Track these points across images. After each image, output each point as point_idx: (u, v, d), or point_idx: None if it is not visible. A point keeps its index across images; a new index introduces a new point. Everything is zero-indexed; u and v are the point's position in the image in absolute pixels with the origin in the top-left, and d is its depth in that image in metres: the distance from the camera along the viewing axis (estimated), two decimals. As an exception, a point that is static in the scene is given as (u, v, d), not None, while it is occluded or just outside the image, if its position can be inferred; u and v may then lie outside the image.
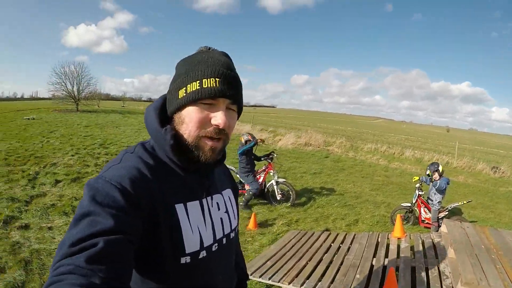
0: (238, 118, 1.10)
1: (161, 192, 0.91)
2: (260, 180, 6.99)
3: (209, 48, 1.04)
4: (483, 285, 2.95)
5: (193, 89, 0.93)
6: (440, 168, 6.15)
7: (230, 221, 1.16)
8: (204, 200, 1.05)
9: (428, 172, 6.32)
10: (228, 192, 1.23)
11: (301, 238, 4.87)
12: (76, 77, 42.11)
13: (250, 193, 6.60)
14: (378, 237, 4.79)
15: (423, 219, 6.44)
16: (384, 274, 3.68)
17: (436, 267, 3.79)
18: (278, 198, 6.89)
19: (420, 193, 6.43)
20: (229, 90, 0.96)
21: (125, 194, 0.81)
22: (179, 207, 0.95)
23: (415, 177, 6.69)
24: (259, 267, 3.86)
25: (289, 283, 3.52)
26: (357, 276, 3.67)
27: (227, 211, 1.16)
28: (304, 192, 8.15)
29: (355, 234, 5.00)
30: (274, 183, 6.94)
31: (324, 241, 4.72)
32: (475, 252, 3.66)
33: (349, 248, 4.47)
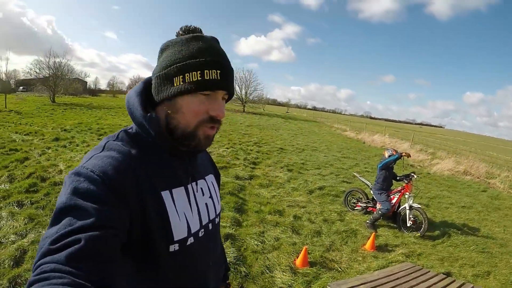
0: None
1: (147, 180, 0.91)
2: (394, 201, 6.81)
3: (195, 30, 1.04)
4: None
5: (194, 80, 0.92)
6: None
7: (214, 206, 1.19)
8: (189, 186, 1.07)
9: None
10: (211, 178, 1.26)
11: (412, 273, 4.65)
12: (244, 81, 46.57)
13: (380, 212, 6.50)
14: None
15: None
16: None
17: None
18: (408, 225, 6.59)
19: None
20: (228, 82, 0.99)
21: (108, 185, 0.80)
22: (165, 194, 0.95)
23: None
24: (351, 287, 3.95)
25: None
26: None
27: (211, 196, 1.18)
28: (441, 225, 7.56)
29: None
30: (408, 207, 6.64)
31: (434, 284, 4.39)
32: None
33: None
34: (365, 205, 7.14)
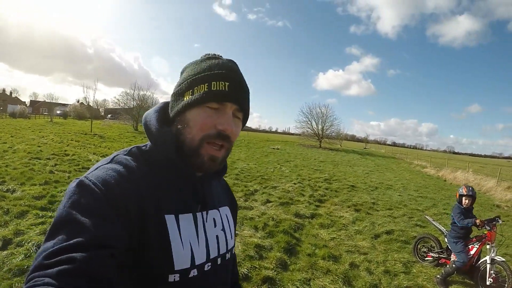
0: (243, 127, 1.07)
1: (151, 199, 0.87)
2: (472, 252, 5.71)
3: (218, 56, 1.04)
4: None
5: (201, 91, 0.93)
6: None
7: (226, 240, 1.10)
8: (198, 214, 1.01)
9: None
10: (225, 210, 1.18)
11: None
12: (321, 117, 46.96)
13: (454, 266, 5.53)
14: None
15: None
16: None
17: None
18: (488, 283, 5.44)
19: None
20: (237, 95, 0.96)
21: (108, 200, 0.78)
22: (170, 218, 0.90)
23: None
24: None
25: None
26: None
27: (223, 229, 1.11)
28: (531, 284, 6.26)
29: None
30: (489, 261, 5.49)
31: None
32: None
33: None
34: (437, 255, 6.22)
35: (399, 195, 13.51)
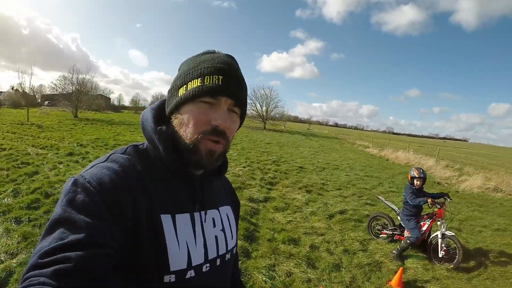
0: (240, 125, 1.05)
1: (147, 199, 0.86)
2: (424, 228, 6.03)
3: (215, 50, 1.01)
4: None
5: (194, 86, 0.90)
6: None
7: (226, 241, 1.08)
8: (196, 214, 0.98)
9: None
10: (226, 209, 1.16)
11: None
12: (265, 99, 47.46)
13: (408, 241, 5.79)
14: None
15: None
16: None
17: None
18: (440, 256, 5.78)
19: None
20: (232, 89, 0.93)
21: (104, 198, 0.77)
22: (166, 218, 0.88)
23: None
24: None
25: None
26: None
27: (223, 229, 1.08)
28: (476, 253, 6.71)
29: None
30: (440, 236, 5.83)
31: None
32: None
33: None
34: (391, 232, 6.43)
35: (346, 175, 13.89)
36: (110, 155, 0.92)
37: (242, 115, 1.02)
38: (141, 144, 1.00)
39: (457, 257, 5.74)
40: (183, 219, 0.93)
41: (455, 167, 18.89)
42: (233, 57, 1.00)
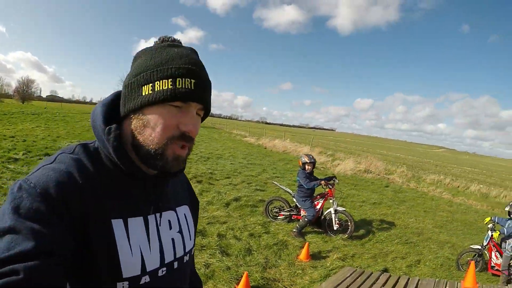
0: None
1: (97, 203, 0.79)
2: (318, 207, 6.55)
3: (174, 40, 0.93)
4: None
5: (164, 88, 0.80)
6: None
7: (184, 243, 1.02)
8: (151, 217, 0.91)
9: (508, 208, 5.67)
10: (184, 209, 1.08)
11: (357, 278, 4.41)
12: None
13: (306, 219, 6.20)
14: (445, 286, 4.22)
15: (492, 265, 5.74)
16: None
17: None
18: (335, 228, 6.40)
19: (493, 234, 5.70)
20: (203, 93, 0.86)
21: (51, 203, 0.70)
22: (117, 223, 0.81)
23: (486, 218, 6.05)
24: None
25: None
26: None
27: (180, 231, 1.01)
28: (362, 223, 7.62)
29: (419, 280, 4.47)
30: (333, 212, 6.45)
31: (384, 285, 4.24)
32: None
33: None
34: (288, 213, 6.78)
35: (231, 164, 14.05)
36: (58, 155, 0.84)
37: (205, 115, 0.96)
38: (91, 143, 0.90)
39: (349, 228, 6.42)
40: (136, 223, 0.86)
41: (328, 153, 20.65)
42: (197, 52, 0.93)
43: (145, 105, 0.82)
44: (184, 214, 1.07)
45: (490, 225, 5.81)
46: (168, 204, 1.00)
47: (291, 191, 7.07)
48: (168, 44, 0.89)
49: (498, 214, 6.67)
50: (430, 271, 5.59)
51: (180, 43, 0.93)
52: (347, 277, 4.38)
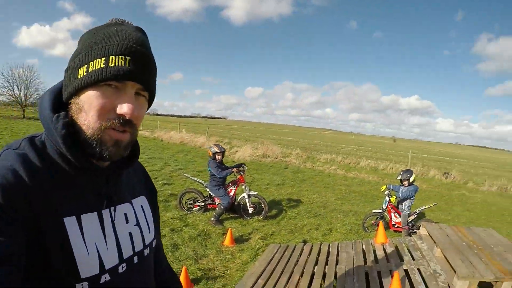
0: (148, 108, 0.91)
1: (46, 201, 0.73)
2: (232, 194, 6.73)
3: (123, 21, 0.85)
4: (477, 276, 3.21)
5: (96, 68, 0.75)
6: (413, 177, 6.51)
7: (142, 236, 0.97)
8: (105, 212, 0.86)
9: (400, 177, 6.62)
10: (141, 200, 1.03)
11: (284, 252, 4.71)
12: (24, 81, 38.91)
13: (222, 207, 6.31)
14: (362, 245, 4.76)
15: (393, 223, 6.73)
16: (381, 279, 3.69)
17: (428, 267, 3.87)
18: (250, 212, 6.68)
19: (390, 199, 6.70)
20: (141, 72, 0.79)
21: None
22: (70, 221, 0.75)
23: (382, 186, 6.98)
24: (252, 287, 3.63)
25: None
26: (356, 284, 3.61)
27: (138, 224, 0.97)
28: (272, 204, 8.04)
29: (338, 244, 4.93)
30: (246, 196, 6.72)
31: (310, 254, 4.59)
32: (460, 249, 3.87)
33: (337, 258, 4.39)
34: (203, 203, 6.84)
35: (130, 159, 13.39)
36: (3, 151, 0.78)
37: (151, 98, 0.90)
38: (38, 136, 0.84)
39: (264, 209, 6.75)
40: (89, 219, 0.81)
41: (225, 141, 20.97)
42: (144, 31, 0.86)
43: (80, 89, 0.77)
44: (141, 205, 1.02)
45: (386, 192, 6.75)
46: (123, 197, 0.95)
47: (203, 182, 7.14)
48: (110, 23, 0.84)
49: (388, 183, 7.60)
50: (343, 236, 6.23)
51: (128, 22, 0.86)
52: (275, 253, 4.65)
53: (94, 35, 0.80)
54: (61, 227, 0.73)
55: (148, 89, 0.84)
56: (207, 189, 6.79)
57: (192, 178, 7.48)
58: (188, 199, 7.02)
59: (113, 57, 0.75)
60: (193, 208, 6.87)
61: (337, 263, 4.20)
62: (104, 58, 0.75)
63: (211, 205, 6.82)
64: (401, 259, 4.15)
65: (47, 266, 0.71)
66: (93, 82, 0.75)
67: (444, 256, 3.86)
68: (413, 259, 4.11)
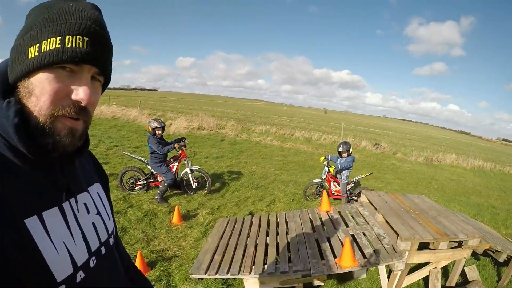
0: (102, 93, 0.85)
1: (0, 204, 0.63)
2: (174, 170, 6.56)
3: None
4: (417, 238, 3.52)
5: (51, 48, 0.69)
6: (351, 148, 6.88)
7: (105, 224, 0.93)
8: (65, 204, 0.79)
9: (340, 149, 6.91)
10: (96, 188, 0.97)
11: (234, 226, 4.77)
12: None
13: (165, 184, 6.15)
14: (308, 213, 4.97)
15: (333, 192, 7.14)
16: (331, 245, 3.90)
17: (372, 231, 4.17)
18: (194, 187, 6.60)
19: (329, 169, 7.06)
20: (99, 55, 0.75)
21: None
22: (32, 222, 0.67)
23: (321, 157, 7.24)
24: (210, 264, 3.64)
25: (250, 273, 3.43)
26: (309, 251, 3.78)
27: (98, 213, 0.92)
28: (214, 177, 8.02)
29: (285, 214, 5.09)
30: (189, 172, 6.58)
31: (259, 225, 4.70)
32: (399, 214, 4.20)
33: (286, 228, 4.54)
34: (145, 182, 6.60)
35: (58, 138, 12.62)
36: None
37: (106, 83, 0.84)
38: None
39: (207, 183, 6.71)
40: (52, 215, 0.73)
41: (158, 114, 20.36)
42: (100, 9, 0.78)
43: (31, 70, 0.69)
44: (97, 193, 0.96)
45: (325, 162, 7.07)
46: (80, 186, 0.88)
47: (144, 159, 6.87)
48: None
49: (322, 154, 7.90)
50: (287, 206, 6.49)
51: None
52: (225, 227, 4.69)
53: (48, 10, 0.72)
54: (23, 231, 0.65)
55: (104, 74, 0.79)
56: (149, 166, 6.53)
57: (132, 155, 7.15)
58: (129, 178, 6.72)
59: (70, 37, 0.69)
60: (135, 187, 6.61)
61: (287, 233, 4.35)
62: (60, 38, 0.69)
63: (153, 183, 6.62)
64: (347, 225, 4.40)
65: (15, 280, 0.62)
66: (46, 63, 0.68)
67: (386, 221, 4.17)
68: (358, 224, 4.40)
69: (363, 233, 4.11)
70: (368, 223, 4.36)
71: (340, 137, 18.17)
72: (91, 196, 0.91)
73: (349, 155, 6.81)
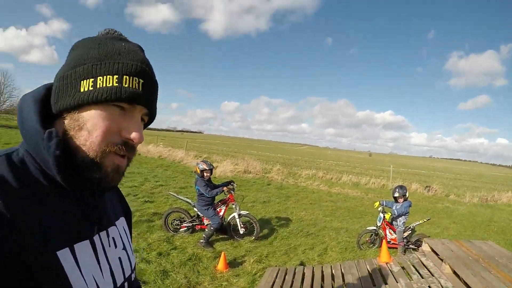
0: None
1: (32, 235, 0.60)
2: (221, 214, 6.38)
3: (122, 35, 0.81)
4: None
5: (108, 85, 0.69)
6: (407, 193, 6.47)
7: (129, 260, 0.91)
8: (96, 238, 0.77)
9: (396, 194, 6.53)
10: (122, 222, 0.95)
11: (285, 277, 4.44)
12: None
13: (212, 228, 5.94)
14: (366, 265, 4.59)
15: (388, 240, 6.55)
16: None
17: (439, 284, 3.75)
18: (241, 232, 6.32)
19: (385, 215, 6.60)
20: (150, 97, 0.77)
21: None
22: (64, 255, 0.65)
23: (376, 203, 6.83)
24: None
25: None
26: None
27: (124, 248, 0.89)
28: (261, 223, 7.70)
29: (341, 265, 4.72)
30: (237, 216, 6.34)
31: (313, 278, 4.36)
32: (468, 264, 3.79)
33: (343, 281, 4.18)
34: (190, 224, 6.47)
35: (106, 175, 12.88)
36: None
37: (148, 123, 0.86)
38: (14, 151, 0.71)
39: (255, 229, 6.43)
40: (83, 248, 0.72)
41: (204, 156, 20.61)
42: (143, 50, 0.82)
43: (84, 104, 0.69)
44: (123, 227, 0.95)
45: (380, 208, 6.64)
46: (110, 220, 0.87)
47: (190, 201, 6.79)
48: (114, 36, 0.79)
49: (372, 198, 7.47)
50: (340, 256, 6.01)
51: (126, 38, 0.82)
52: (275, 278, 4.39)
53: (100, 46, 0.73)
54: (55, 263, 0.63)
55: (151, 115, 0.81)
56: (195, 209, 6.43)
57: (179, 197, 7.08)
58: (174, 219, 6.63)
59: (127, 77, 0.71)
60: (180, 229, 6.50)
61: (345, 287, 4.00)
62: (117, 77, 0.70)
63: (199, 226, 6.48)
64: (410, 278, 3.99)
65: None
66: (103, 100, 0.68)
67: (454, 272, 3.78)
68: (422, 277, 3.98)
69: (429, 287, 3.69)
70: (433, 275, 3.94)
71: (389, 181, 17.44)
72: (118, 230, 0.90)
73: (405, 200, 6.37)
